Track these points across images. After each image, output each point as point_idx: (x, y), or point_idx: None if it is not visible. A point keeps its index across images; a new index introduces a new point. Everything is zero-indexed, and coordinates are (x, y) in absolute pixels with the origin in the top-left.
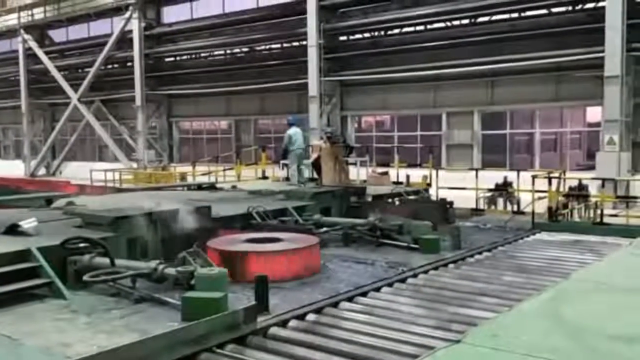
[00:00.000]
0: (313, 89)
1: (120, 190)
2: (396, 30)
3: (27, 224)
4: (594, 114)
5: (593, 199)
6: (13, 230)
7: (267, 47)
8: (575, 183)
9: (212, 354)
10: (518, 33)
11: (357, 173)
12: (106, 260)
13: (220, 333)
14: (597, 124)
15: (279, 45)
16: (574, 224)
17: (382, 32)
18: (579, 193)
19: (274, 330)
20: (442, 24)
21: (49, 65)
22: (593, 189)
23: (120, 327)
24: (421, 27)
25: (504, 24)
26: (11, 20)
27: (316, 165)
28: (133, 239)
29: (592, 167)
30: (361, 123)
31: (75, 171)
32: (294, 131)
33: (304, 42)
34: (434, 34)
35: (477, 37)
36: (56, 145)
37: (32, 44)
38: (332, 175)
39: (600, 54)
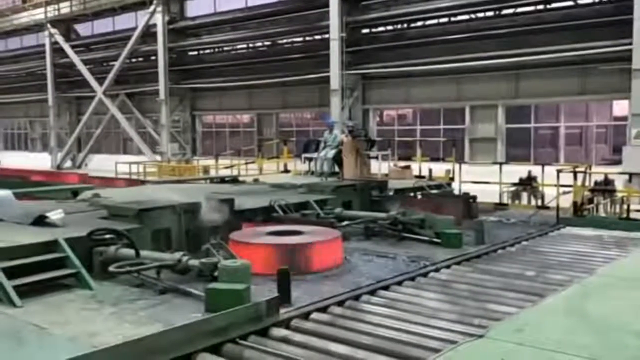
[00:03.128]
0: (335, 83)
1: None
2: (419, 23)
3: (54, 215)
4: (620, 107)
5: (619, 194)
6: (41, 221)
7: (289, 40)
8: (601, 178)
9: (235, 344)
10: (543, 25)
11: (379, 167)
12: (131, 252)
13: (243, 324)
14: (624, 118)
15: (301, 39)
16: (600, 219)
17: (405, 25)
18: (605, 188)
19: (296, 322)
20: (465, 16)
21: (75, 59)
22: (619, 183)
23: (144, 317)
24: (444, 20)
25: (529, 16)
26: (38, 14)
27: (338, 159)
28: (158, 230)
29: (618, 162)
30: (383, 117)
31: (100, 164)
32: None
33: (326, 36)
34: (458, 27)
35: (502, 30)
36: (82, 138)
37: (59, 38)
38: (353, 169)
39: (628, 47)
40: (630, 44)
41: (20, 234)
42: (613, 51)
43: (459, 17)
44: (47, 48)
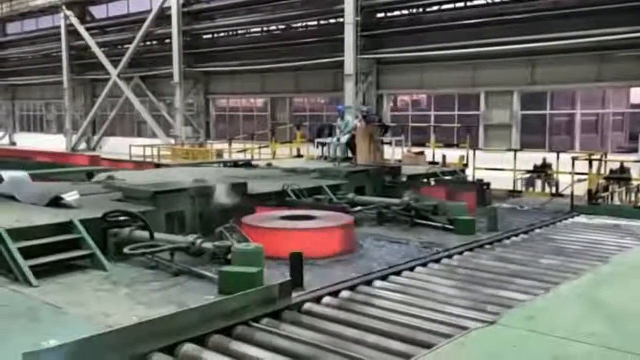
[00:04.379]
0: (349, 68)
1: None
2: (435, 8)
3: (70, 196)
4: (638, 95)
5: (635, 183)
6: (56, 202)
7: (304, 24)
8: (616, 166)
9: (247, 327)
10: (561, 11)
11: (393, 153)
12: (146, 234)
13: (255, 307)
14: None
15: (315, 23)
16: (615, 208)
17: (421, 9)
18: (621, 176)
19: (308, 306)
20: (482, 1)
21: (90, 41)
22: (635, 172)
23: (158, 299)
24: (461, 4)
25: (547, 2)
26: None
27: (351, 145)
28: (172, 213)
29: (634, 150)
30: (397, 102)
31: (115, 146)
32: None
33: (341, 20)
34: (474, 11)
35: (519, 15)
36: (96, 120)
37: (74, 21)
38: (366, 154)
39: None
40: None
41: (36, 215)
42: (631, 38)
43: (476, 2)
44: (63, 30)
